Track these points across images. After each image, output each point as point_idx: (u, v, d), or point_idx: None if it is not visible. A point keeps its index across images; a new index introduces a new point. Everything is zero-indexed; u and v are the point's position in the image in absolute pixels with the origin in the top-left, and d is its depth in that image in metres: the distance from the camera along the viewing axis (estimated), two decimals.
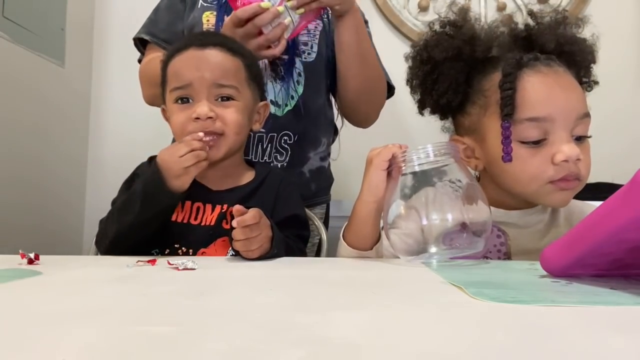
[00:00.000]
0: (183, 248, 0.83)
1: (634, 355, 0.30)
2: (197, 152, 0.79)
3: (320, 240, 1.12)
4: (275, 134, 1.11)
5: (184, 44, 0.89)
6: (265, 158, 1.11)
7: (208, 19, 1.12)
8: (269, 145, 1.11)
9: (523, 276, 0.56)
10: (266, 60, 1.09)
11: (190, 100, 0.86)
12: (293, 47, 1.11)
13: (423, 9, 1.83)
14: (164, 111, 0.94)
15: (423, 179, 0.69)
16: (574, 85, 0.76)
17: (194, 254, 0.83)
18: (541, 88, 0.74)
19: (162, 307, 0.42)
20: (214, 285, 0.54)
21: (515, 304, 0.41)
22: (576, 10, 1.78)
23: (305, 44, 1.13)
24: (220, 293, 0.49)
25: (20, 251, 0.69)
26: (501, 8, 1.81)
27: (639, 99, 1.78)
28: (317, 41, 1.15)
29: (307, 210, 1.13)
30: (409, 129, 1.68)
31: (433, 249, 0.67)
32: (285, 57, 1.10)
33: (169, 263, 0.64)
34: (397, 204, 0.70)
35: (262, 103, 0.95)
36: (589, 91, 0.83)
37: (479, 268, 0.63)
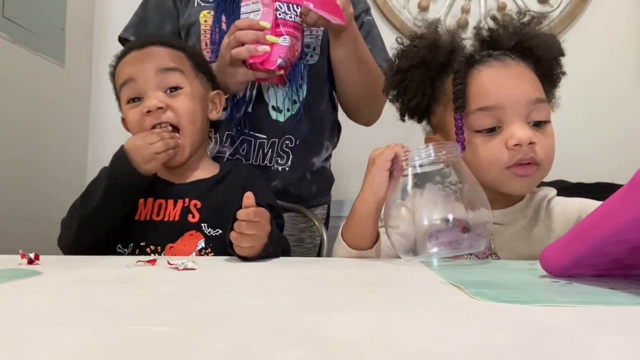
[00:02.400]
0: (151, 246, 0.83)
1: (634, 355, 0.30)
2: (167, 141, 0.82)
3: (322, 240, 1.12)
4: (277, 139, 1.10)
5: (125, 51, 0.93)
6: (265, 162, 1.10)
7: (205, 19, 1.11)
8: (270, 150, 1.10)
9: (523, 276, 0.56)
10: None
11: (141, 99, 0.88)
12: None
13: (423, 9, 1.83)
14: (124, 121, 0.95)
15: (424, 179, 0.69)
16: (524, 74, 0.80)
17: (162, 250, 0.83)
18: (489, 80, 0.79)
19: (162, 307, 0.42)
20: (214, 285, 0.54)
21: (515, 304, 0.41)
22: (576, 10, 1.78)
23: (308, 46, 1.11)
24: (220, 293, 0.49)
25: (20, 251, 0.69)
26: (501, 8, 1.81)
27: (639, 98, 1.78)
28: (319, 42, 1.12)
29: (307, 211, 1.12)
30: (411, 128, 1.67)
31: (434, 249, 0.67)
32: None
33: (169, 263, 0.64)
34: (396, 204, 0.71)
35: (214, 92, 0.96)
36: (558, 83, 0.87)
37: (479, 268, 0.63)
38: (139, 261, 0.68)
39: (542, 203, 0.84)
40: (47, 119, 1.64)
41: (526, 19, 0.84)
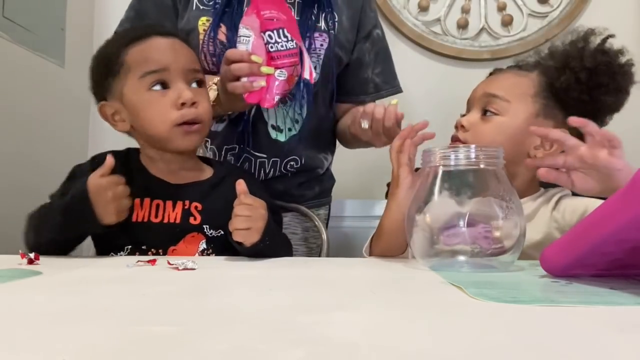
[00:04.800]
0: (152, 249, 0.82)
1: (634, 355, 0.30)
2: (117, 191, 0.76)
3: (322, 241, 1.12)
4: (279, 159, 1.07)
5: (144, 32, 0.86)
6: (269, 178, 1.08)
7: (204, 28, 1.05)
8: (272, 169, 1.08)
9: (523, 276, 0.56)
10: None
11: (166, 87, 0.83)
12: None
13: (423, 9, 1.83)
14: (104, 108, 0.87)
15: (455, 179, 0.65)
16: (498, 77, 0.93)
17: (165, 252, 0.82)
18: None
19: (162, 307, 0.42)
20: (214, 285, 0.54)
21: (515, 304, 0.41)
22: (576, 11, 1.78)
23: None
24: (220, 293, 0.49)
25: (20, 251, 0.69)
26: (501, 8, 1.81)
27: (639, 98, 1.78)
28: (321, 62, 1.07)
29: (308, 211, 1.12)
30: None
31: (461, 258, 0.63)
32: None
33: (169, 263, 0.64)
34: (420, 204, 0.67)
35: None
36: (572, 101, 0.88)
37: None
38: (139, 261, 0.68)
39: (553, 197, 0.87)
40: (47, 119, 1.64)
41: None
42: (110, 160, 0.77)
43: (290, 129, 1.07)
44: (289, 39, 0.92)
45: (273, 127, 1.06)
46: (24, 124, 1.52)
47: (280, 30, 0.92)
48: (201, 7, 1.06)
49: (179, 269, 0.61)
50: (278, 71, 0.90)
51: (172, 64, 0.83)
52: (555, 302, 0.42)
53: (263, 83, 0.89)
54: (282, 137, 1.07)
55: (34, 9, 1.56)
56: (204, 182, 0.90)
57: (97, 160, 0.87)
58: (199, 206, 0.85)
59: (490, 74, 0.95)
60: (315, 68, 1.06)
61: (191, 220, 0.84)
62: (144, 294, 0.48)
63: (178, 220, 0.84)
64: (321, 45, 1.07)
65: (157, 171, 0.88)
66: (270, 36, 0.91)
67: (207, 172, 0.92)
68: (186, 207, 0.85)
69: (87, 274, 0.61)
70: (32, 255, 0.68)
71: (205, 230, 0.84)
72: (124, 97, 0.85)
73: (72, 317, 0.38)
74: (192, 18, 1.06)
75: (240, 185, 0.76)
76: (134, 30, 0.88)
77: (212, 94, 0.97)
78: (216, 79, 0.97)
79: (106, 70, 0.86)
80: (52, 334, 0.33)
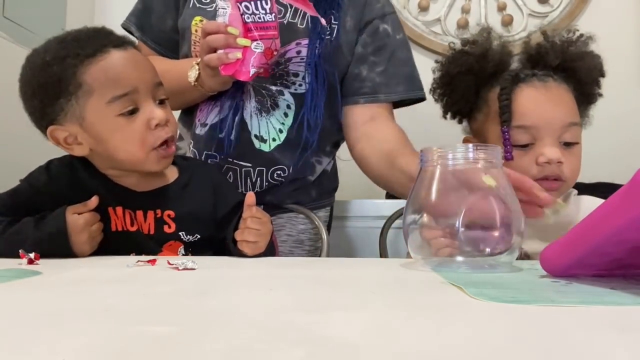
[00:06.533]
0: (144, 254, 0.79)
1: (634, 355, 0.30)
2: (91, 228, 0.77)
3: (322, 243, 1.10)
4: (264, 169, 1.04)
5: (99, 45, 0.76)
6: (256, 189, 1.04)
7: (196, 29, 1.02)
8: (258, 179, 1.04)
9: (523, 276, 0.56)
10: (252, 91, 1.01)
11: (135, 111, 0.77)
12: (281, 76, 1.02)
13: (423, 9, 1.83)
14: (55, 133, 0.81)
15: (453, 178, 0.64)
16: (562, 98, 0.86)
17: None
18: (530, 101, 0.85)
19: (162, 307, 0.42)
20: (214, 285, 0.54)
21: (515, 304, 0.41)
22: (576, 11, 1.78)
23: (296, 75, 1.02)
24: (220, 293, 0.49)
25: (21, 251, 0.69)
26: (501, 8, 1.81)
27: (639, 98, 1.78)
28: (311, 70, 1.01)
29: (307, 211, 1.11)
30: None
31: (460, 258, 0.62)
32: (273, 88, 1.02)
33: (169, 263, 0.64)
34: (416, 202, 0.66)
35: None
36: (594, 102, 0.93)
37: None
38: (139, 261, 0.68)
39: (569, 196, 0.90)
40: None
41: (574, 37, 0.89)
42: (94, 200, 0.78)
43: (274, 139, 1.03)
44: (268, 11, 0.89)
45: (256, 136, 1.03)
46: (23, 125, 1.52)
47: (259, 2, 0.89)
48: (198, 5, 1.04)
49: (179, 269, 0.61)
50: (255, 43, 0.88)
51: (139, 83, 0.76)
52: (555, 302, 0.42)
53: (238, 55, 0.87)
54: (266, 148, 1.03)
55: (34, 9, 1.56)
56: (172, 186, 0.85)
57: (54, 167, 0.87)
58: (172, 214, 0.82)
59: (526, 76, 0.88)
60: (303, 77, 1.02)
61: (165, 228, 0.82)
62: (144, 294, 0.48)
63: (152, 231, 0.81)
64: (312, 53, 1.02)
65: (123, 180, 0.83)
66: (247, 7, 0.89)
67: (172, 173, 0.87)
68: (158, 216, 0.82)
69: (87, 274, 0.61)
70: (32, 255, 0.68)
71: (181, 236, 0.82)
72: (85, 122, 0.77)
73: (72, 317, 0.38)
74: (188, 16, 1.04)
75: (251, 197, 0.77)
76: (85, 42, 0.76)
77: (194, 73, 0.95)
78: (198, 59, 0.95)
79: (57, 91, 0.77)
80: (52, 334, 0.33)
